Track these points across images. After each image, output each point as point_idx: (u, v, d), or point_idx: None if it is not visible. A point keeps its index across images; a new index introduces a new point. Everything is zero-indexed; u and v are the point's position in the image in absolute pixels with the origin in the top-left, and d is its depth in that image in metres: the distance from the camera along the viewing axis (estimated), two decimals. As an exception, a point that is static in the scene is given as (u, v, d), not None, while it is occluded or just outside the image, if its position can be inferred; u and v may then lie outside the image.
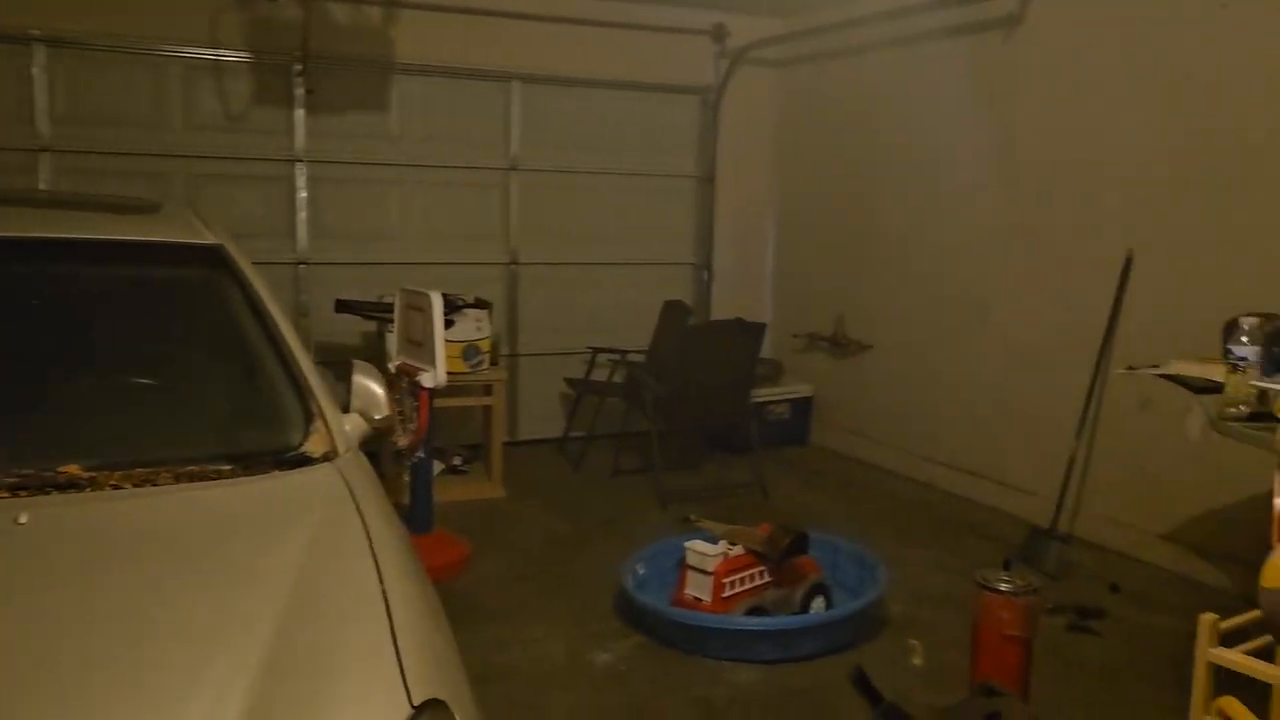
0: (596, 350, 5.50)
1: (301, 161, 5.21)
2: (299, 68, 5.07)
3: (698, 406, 4.80)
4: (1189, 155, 3.83)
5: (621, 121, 5.94)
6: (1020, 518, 4.44)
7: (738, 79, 6.09)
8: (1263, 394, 2.18)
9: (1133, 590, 3.75)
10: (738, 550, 3.31)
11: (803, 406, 5.89)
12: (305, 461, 1.88)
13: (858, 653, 3.21)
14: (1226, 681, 2.25)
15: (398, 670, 1.33)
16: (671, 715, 2.85)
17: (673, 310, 5.50)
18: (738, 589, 3.28)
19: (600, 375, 5.53)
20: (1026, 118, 4.51)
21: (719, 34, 6.02)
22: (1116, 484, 4.16)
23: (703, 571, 3.26)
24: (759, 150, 6.27)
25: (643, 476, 5.05)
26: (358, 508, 1.72)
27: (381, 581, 1.50)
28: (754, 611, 3.25)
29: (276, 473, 1.84)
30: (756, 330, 4.73)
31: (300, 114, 5.17)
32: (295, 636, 1.35)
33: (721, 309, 6.10)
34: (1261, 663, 1.64)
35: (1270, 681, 1.65)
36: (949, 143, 4.94)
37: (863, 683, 1.33)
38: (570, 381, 5.56)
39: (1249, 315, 2.26)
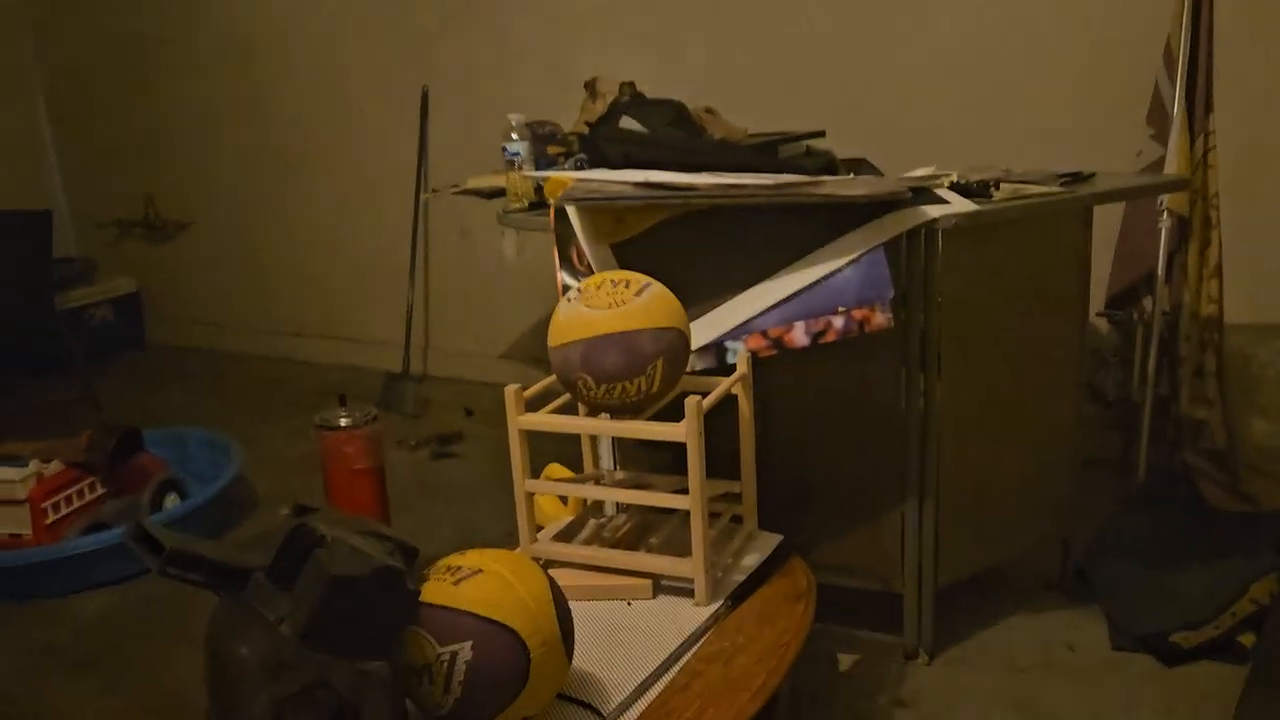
0: None
1: None
2: None
3: (-18, 323, 4.01)
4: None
5: None
6: (378, 369, 4.47)
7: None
8: (539, 186, 2.34)
9: (485, 411, 4.00)
10: (55, 467, 2.84)
11: (129, 304, 5.24)
12: None
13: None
14: (556, 450, 2.48)
15: None
16: (5, 675, 2.40)
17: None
18: (66, 510, 2.83)
19: None
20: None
21: None
22: (455, 317, 4.38)
23: (13, 502, 2.75)
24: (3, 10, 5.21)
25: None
26: None
27: None
28: (94, 529, 2.85)
29: None
30: (38, 220, 4.02)
31: None
32: None
33: (-5, 205, 5.11)
34: (561, 417, 1.77)
35: (573, 431, 1.79)
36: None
37: (142, 538, 1.14)
38: None
39: (516, 114, 2.39)
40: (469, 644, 1.32)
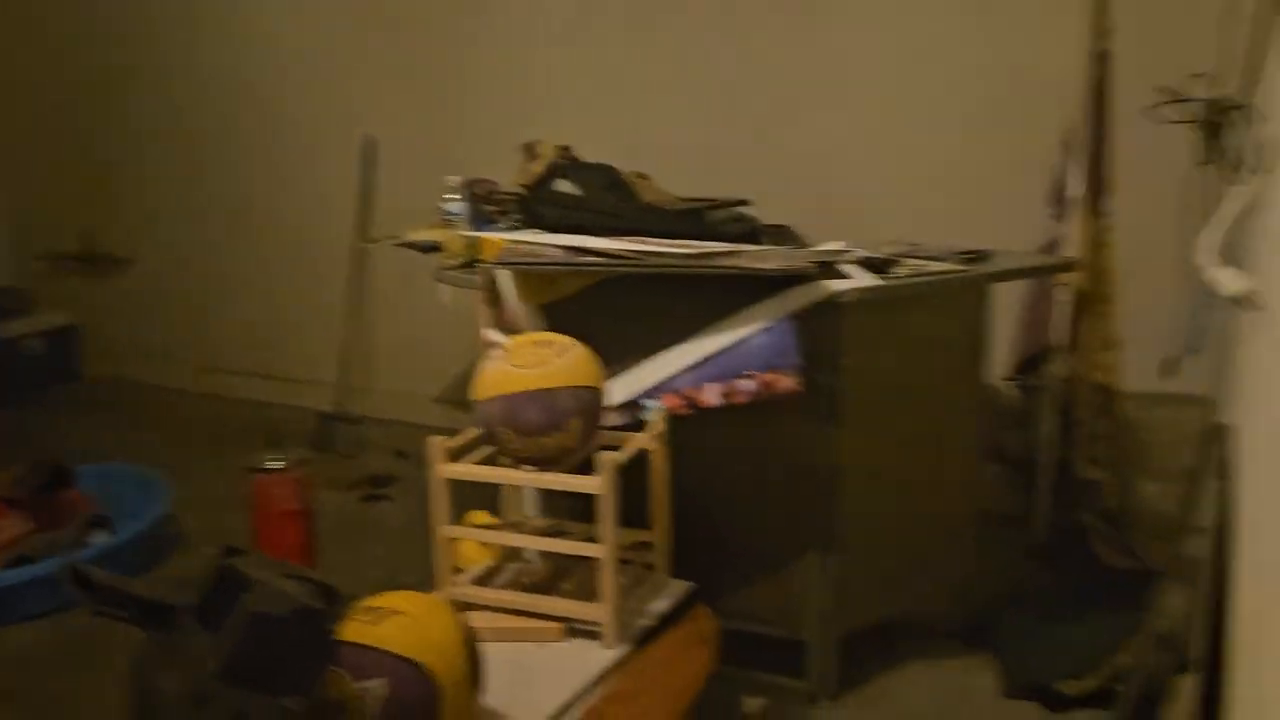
0: None
1: None
2: None
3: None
4: (400, 45, 4.11)
5: None
6: (314, 409, 4.50)
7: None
8: (473, 244, 2.45)
9: (420, 454, 4.05)
10: (-19, 501, 2.86)
11: (64, 337, 5.21)
12: None
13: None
14: (484, 497, 2.56)
15: None
16: (-82, 705, 2.41)
17: None
18: (-9, 544, 2.84)
19: None
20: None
21: None
22: (394, 359, 4.44)
23: (-62, 534, 2.76)
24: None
25: None
26: None
27: None
28: (19, 563, 2.86)
29: None
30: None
31: None
32: None
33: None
34: (483, 467, 1.87)
35: (494, 481, 1.89)
36: (192, 21, 4.65)
37: (76, 578, 1.21)
38: None
39: (454, 175, 2.50)
40: (383, 680, 1.41)
